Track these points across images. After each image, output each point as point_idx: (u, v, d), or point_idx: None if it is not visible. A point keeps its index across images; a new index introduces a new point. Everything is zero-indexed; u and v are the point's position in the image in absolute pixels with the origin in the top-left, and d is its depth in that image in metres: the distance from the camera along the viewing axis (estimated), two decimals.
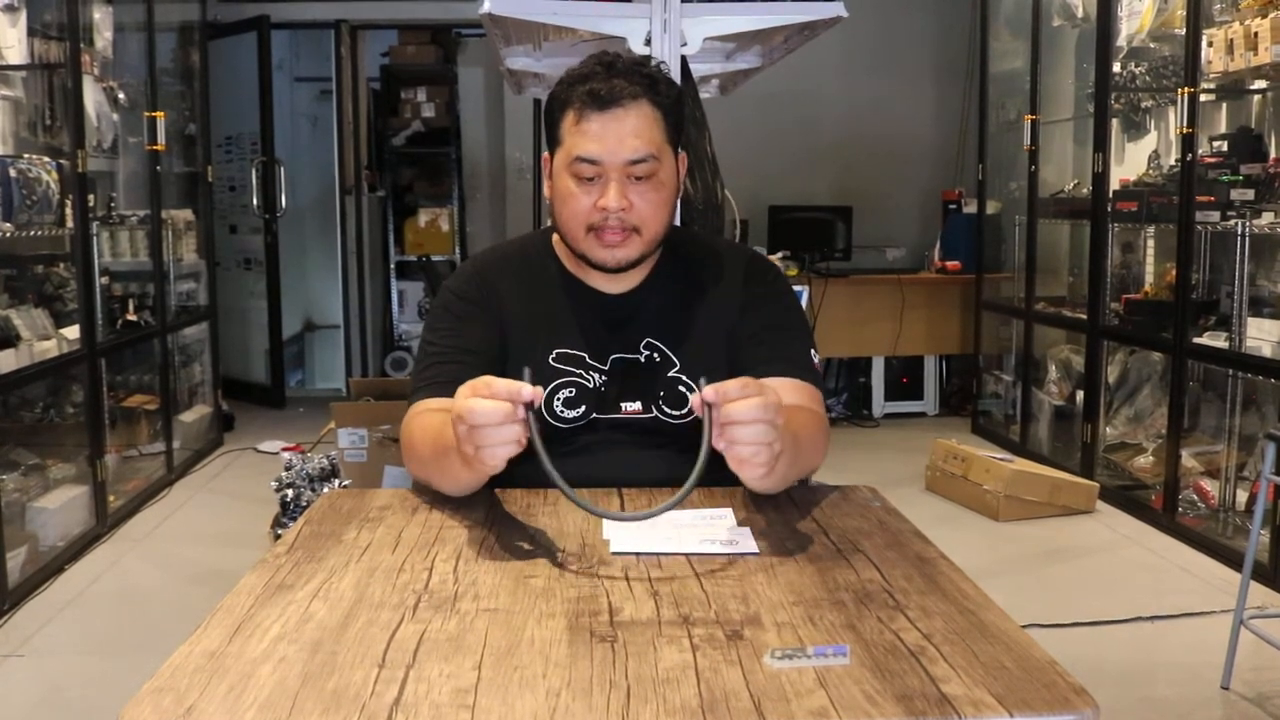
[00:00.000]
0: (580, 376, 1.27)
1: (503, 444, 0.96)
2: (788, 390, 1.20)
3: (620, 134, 1.19)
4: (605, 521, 1.08)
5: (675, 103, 1.24)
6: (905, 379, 5.36)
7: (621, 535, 1.04)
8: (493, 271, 1.32)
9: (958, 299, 5.17)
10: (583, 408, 1.26)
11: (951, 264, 5.16)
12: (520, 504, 1.17)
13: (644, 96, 1.20)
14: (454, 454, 1.01)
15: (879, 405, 5.27)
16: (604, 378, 1.27)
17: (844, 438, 4.67)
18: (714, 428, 0.94)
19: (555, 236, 1.33)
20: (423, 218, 5.88)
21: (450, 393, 1.04)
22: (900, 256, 5.56)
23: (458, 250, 5.88)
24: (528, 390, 0.95)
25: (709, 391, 0.95)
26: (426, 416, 1.16)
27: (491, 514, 1.13)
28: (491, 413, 0.95)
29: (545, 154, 1.28)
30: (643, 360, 1.28)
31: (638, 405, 1.27)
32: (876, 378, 5.28)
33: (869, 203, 5.49)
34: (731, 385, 0.95)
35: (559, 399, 1.26)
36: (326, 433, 3.62)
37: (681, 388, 1.28)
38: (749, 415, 0.94)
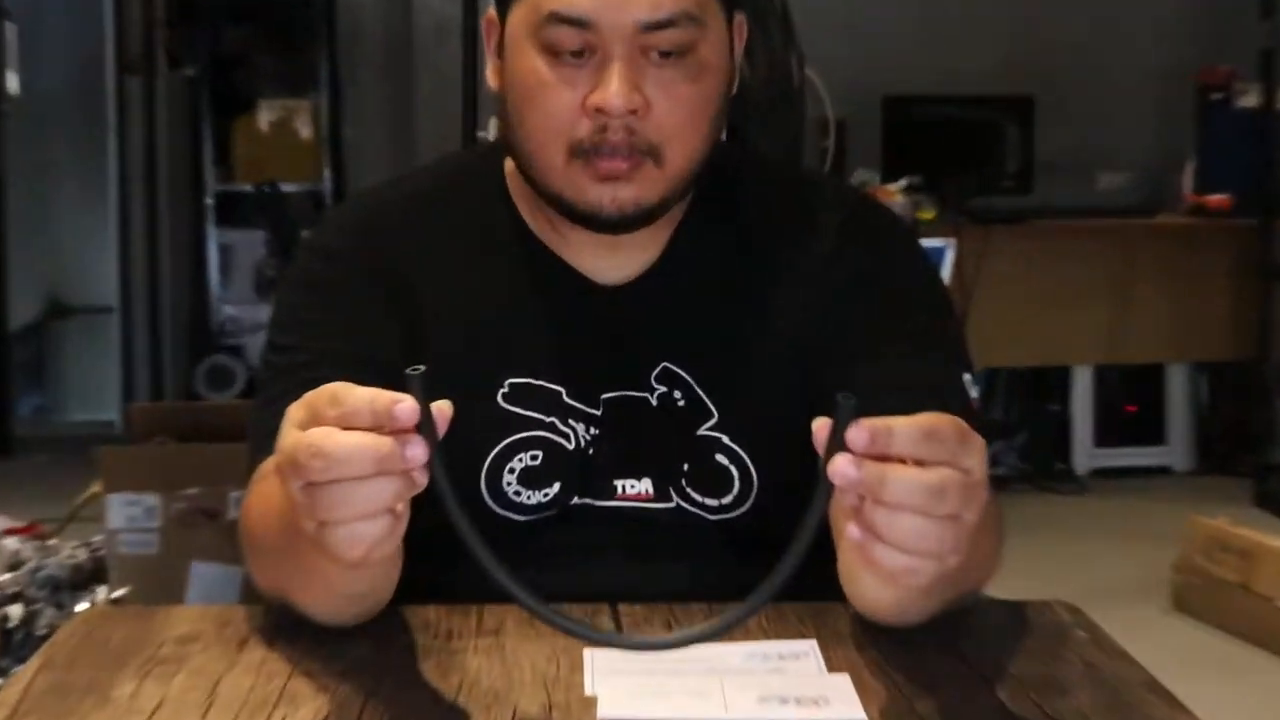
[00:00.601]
0: (550, 430, 1.29)
1: (367, 514, 0.93)
2: None
3: None
4: (590, 663, 1.08)
5: None
6: (1132, 407, 5.35)
7: (620, 689, 1.04)
8: (393, 226, 1.34)
9: (1228, 263, 5.17)
10: (554, 486, 1.29)
11: (1216, 199, 5.17)
12: (435, 631, 1.16)
13: None
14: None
15: (1084, 455, 5.27)
16: (591, 433, 1.29)
17: (1022, 512, 4.66)
18: (837, 490, 0.92)
19: (509, 166, 1.35)
20: (265, 117, 5.92)
21: None
22: (1122, 186, 5.59)
23: (327, 175, 5.91)
24: (409, 407, 0.92)
25: (859, 431, 0.91)
26: (273, 485, 1.17)
27: (384, 646, 1.12)
28: (347, 455, 0.92)
29: (489, 11, 1.30)
30: (654, 403, 1.30)
31: (645, 485, 1.30)
32: (1080, 405, 5.28)
33: (1064, 91, 5.51)
34: (907, 427, 0.92)
35: (512, 470, 1.28)
36: (86, 501, 3.61)
37: (722, 455, 1.29)
38: (921, 499, 0.91)
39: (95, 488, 3.43)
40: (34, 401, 6.23)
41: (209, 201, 5.90)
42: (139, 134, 5.75)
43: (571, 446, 1.29)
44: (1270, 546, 3.67)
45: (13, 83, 5.44)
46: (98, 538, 3.10)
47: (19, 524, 4.31)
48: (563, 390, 1.29)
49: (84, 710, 1.01)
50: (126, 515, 3.31)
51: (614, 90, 1.20)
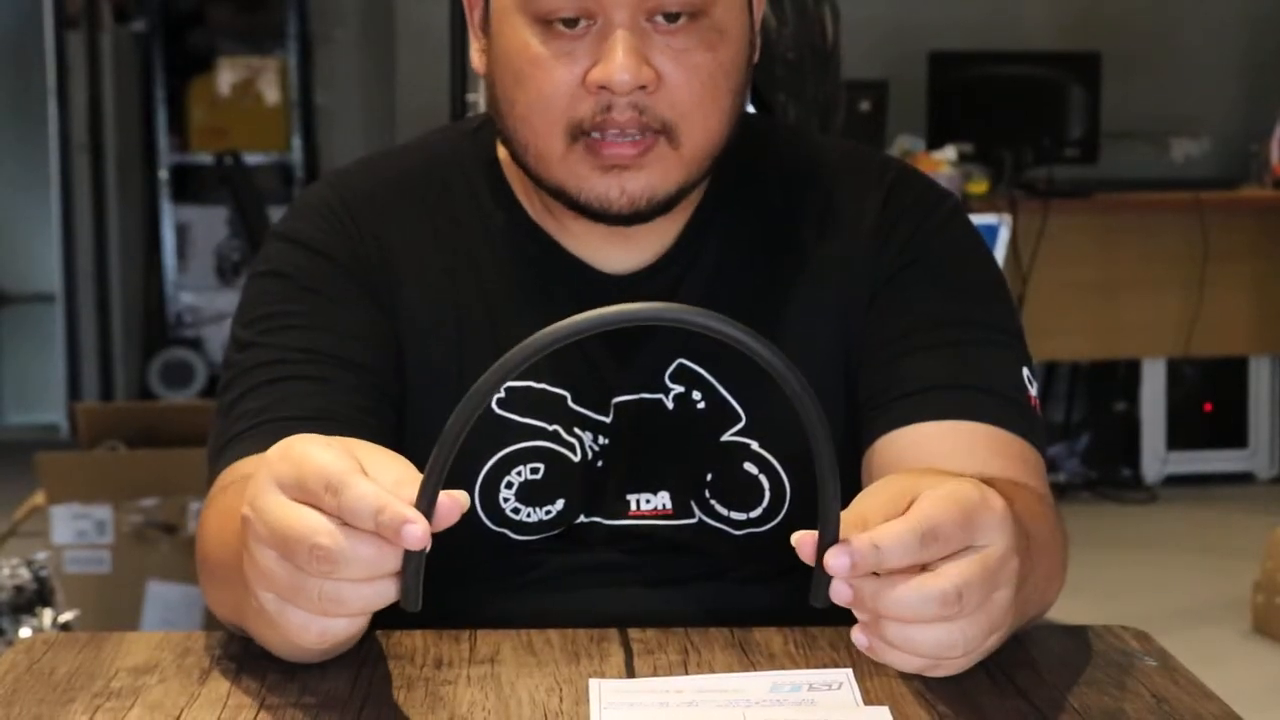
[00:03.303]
0: (553, 440, 1.29)
1: (349, 611, 0.95)
2: (983, 454, 1.22)
3: None
4: (597, 695, 1.09)
5: None
6: (1209, 405, 5.35)
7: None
8: (374, 212, 1.34)
9: None
10: (558, 503, 1.30)
11: None
12: (422, 659, 1.17)
13: None
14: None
15: (1155, 460, 5.27)
16: (600, 443, 1.30)
17: (1084, 524, 4.64)
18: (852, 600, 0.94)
19: (502, 149, 1.35)
20: (225, 78, 5.93)
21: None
22: (1200, 155, 5.57)
23: (295, 144, 5.92)
24: (420, 534, 0.92)
25: (837, 555, 0.91)
26: (236, 500, 1.17)
27: (364, 677, 1.13)
28: (350, 561, 0.93)
29: None
30: (670, 406, 1.30)
31: (663, 500, 1.31)
32: (1150, 403, 5.28)
33: (1134, 46, 5.50)
34: (898, 537, 0.92)
35: (510, 485, 1.29)
36: (27, 515, 3.63)
37: (751, 464, 1.30)
38: (935, 609, 0.92)
39: (37, 499, 3.44)
40: None
41: (163, 174, 5.92)
42: (82, 98, 5.75)
43: (577, 458, 1.29)
44: None
45: None
46: (41, 555, 3.11)
47: None
48: (567, 395, 1.30)
49: None
50: (74, 529, 3.33)
51: (619, 63, 1.19)
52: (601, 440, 1.30)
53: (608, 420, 1.30)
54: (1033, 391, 1.30)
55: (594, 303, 1.32)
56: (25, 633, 2.78)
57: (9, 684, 1.13)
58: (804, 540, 0.93)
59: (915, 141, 5.16)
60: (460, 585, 1.26)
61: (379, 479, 0.94)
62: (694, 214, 1.33)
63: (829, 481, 0.93)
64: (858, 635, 0.94)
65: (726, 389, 1.30)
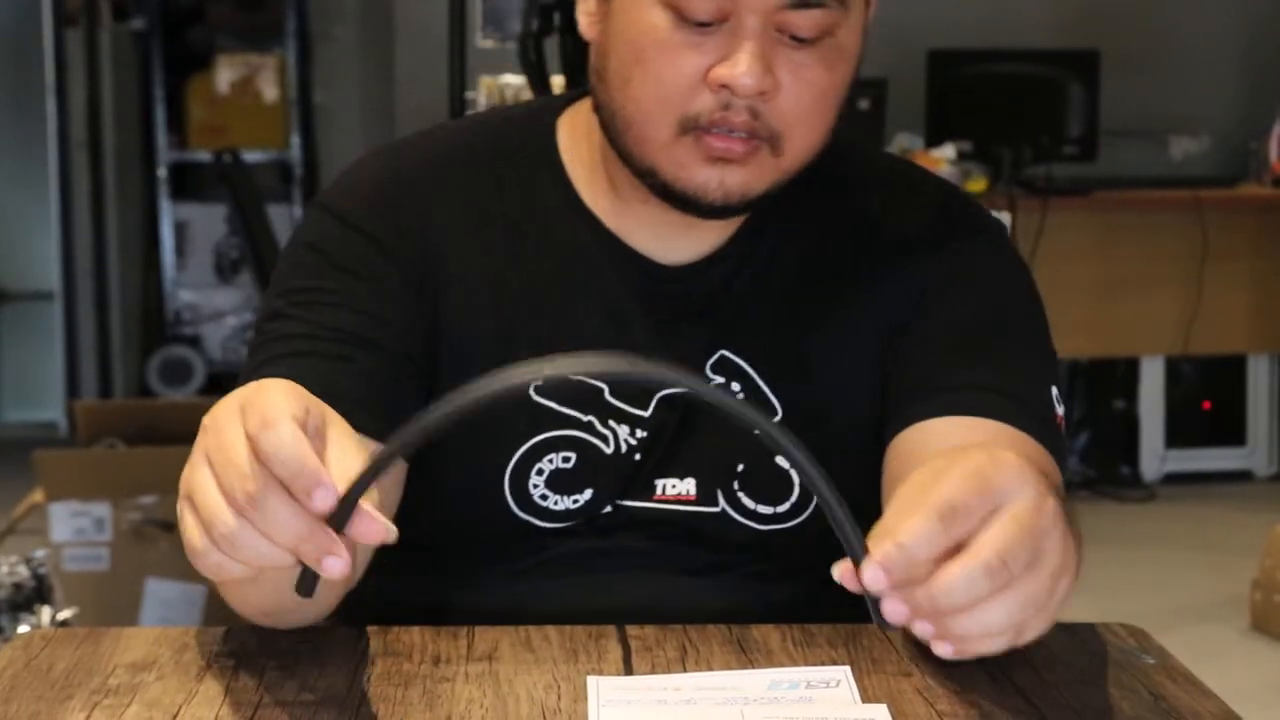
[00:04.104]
0: (587, 430, 1.30)
1: (239, 557, 0.94)
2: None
3: None
4: (595, 692, 1.09)
5: None
6: (1208, 403, 5.35)
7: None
8: (421, 190, 1.34)
9: None
10: (586, 493, 1.31)
11: None
12: (420, 656, 1.17)
13: None
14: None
15: (1154, 458, 5.27)
16: (636, 436, 1.31)
17: (1084, 522, 4.58)
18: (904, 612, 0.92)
19: (564, 129, 1.36)
20: (224, 75, 5.93)
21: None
22: (1199, 154, 5.57)
23: (295, 142, 5.92)
24: (327, 501, 0.92)
25: (872, 571, 0.90)
26: None
27: (362, 674, 1.13)
28: (259, 496, 0.92)
29: None
30: None
31: (688, 486, 1.31)
32: (1149, 401, 5.28)
33: (1133, 44, 5.50)
34: (915, 532, 0.91)
35: (540, 472, 1.30)
36: (25, 512, 3.63)
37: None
38: (987, 585, 0.91)
39: (36, 496, 3.44)
40: None
41: (161, 172, 5.92)
42: (81, 95, 5.75)
43: (610, 450, 1.30)
44: None
45: None
46: (40, 552, 3.10)
47: None
48: (605, 388, 1.30)
49: None
50: (73, 527, 3.33)
51: (745, 68, 1.20)
52: (639, 434, 1.31)
53: (646, 414, 1.31)
54: (1059, 411, 1.31)
55: (647, 291, 1.33)
56: (23, 629, 2.78)
57: (7, 680, 1.13)
58: (843, 571, 0.92)
59: (914, 139, 5.16)
60: (472, 569, 1.27)
61: (331, 460, 0.94)
62: (751, 215, 1.33)
63: (837, 509, 0.92)
64: (943, 648, 0.93)
65: (765, 383, 1.31)
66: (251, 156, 5.81)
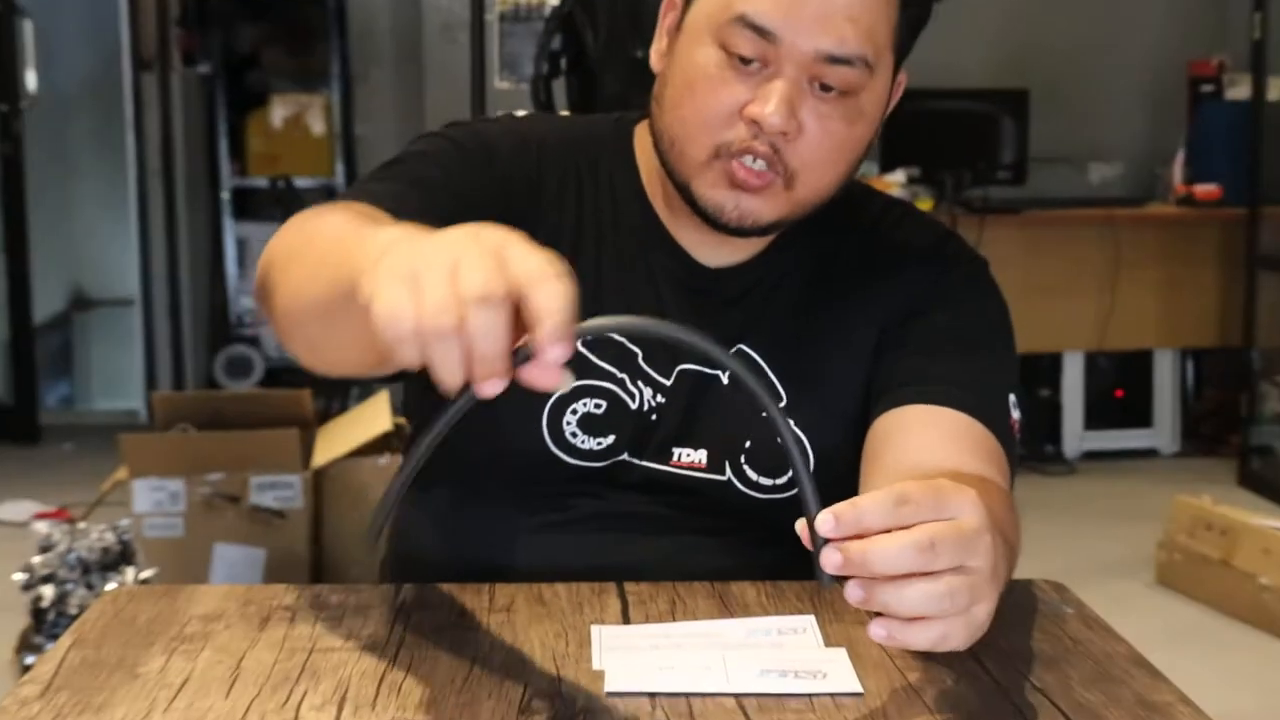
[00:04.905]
0: (619, 385, 1.31)
1: (487, 356, 0.84)
2: (965, 443, 1.23)
3: (827, 4, 1.21)
4: (598, 639, 1.09)
5: None
6: (1120, 391, 5.36)
7: (626, 664, 1.05)
8: (544, 150, 1.36)
9: (1215, 252, 5.18)
10: (610, 437, 1.31)
11: (1205, 190, 5.16)
12: (449, 610, 1.18)
13: None
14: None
15: (1074, 438, 5.28)
16: (658, 400, 1.31)
17: (1014, 493, 4.65)
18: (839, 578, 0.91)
19: (638, 138, 1.39)
20: (278, 112, 5.92)
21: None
22: (1114, 177, 5.57)
23: (339, 169, 5.91)
24: (559, 350, 0.85)
25: (824, 517, 0.90)
26: (346, 213, 1.14)
27: (399, 624, 1.14)
28: (488, 299, 0.83)
29: None
30: (725, 381, 1.32)
31: (701, 455, 1.32)
32: (1070, 390, 5.29)
33: (1057, 85, 5.50)
34: (875, 500, 0.91)
35: (574, 412, 1.30)
36: (112, 487, 3.63)
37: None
38: (911, 557, 0.89)
39: (121, 474, 3.45)
40: (60, 391, 6.24)
41: (225, 195, 5.91)
42: (155, 130, 5.74)
43: (634, 406, 1.31)
44: (1250, 525, 3.68)
45: (31, 80, 5.44)
46: (125, 521, 3.12)
47: (49, 509, 4.34)
48: (640, 353, 1.31)
49: (113, 685, 1.03)
50: (152, 500, 3.34)
51: (772, 108, 1.21)
52: (660, 399, 1.31)
53: (668, 383, 1.31)
54: (1015, 415, 1.31)
55: (685, 284, 1.35)
56: (111, 586, 2.79)
57: (98, 629, 1.14)
58: (802, 528, 0.93)
59: (869, 165, 5.15)
60: (502, 515, 1.28)
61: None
62: (783, 235, 1.34)
63: (806, 483, 0.93)
64: (874, 629, 0.92)
65: (775, 373, 1.32)
66: (302, 182, 5.82)
